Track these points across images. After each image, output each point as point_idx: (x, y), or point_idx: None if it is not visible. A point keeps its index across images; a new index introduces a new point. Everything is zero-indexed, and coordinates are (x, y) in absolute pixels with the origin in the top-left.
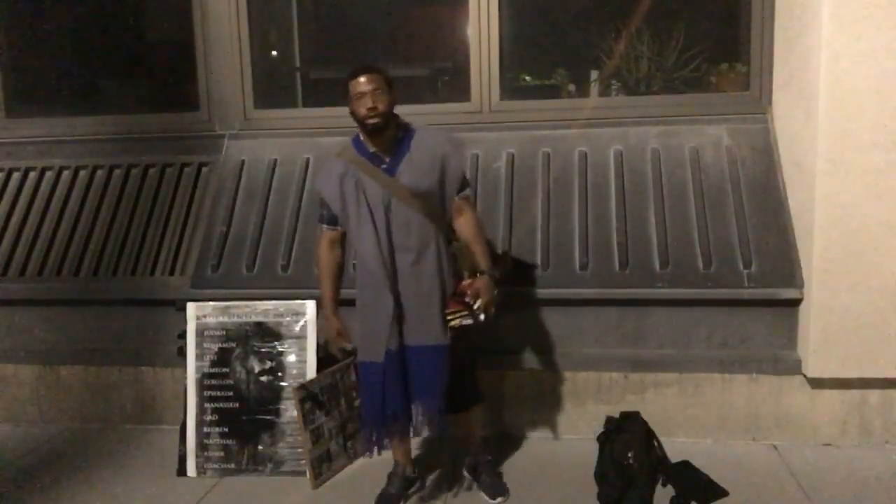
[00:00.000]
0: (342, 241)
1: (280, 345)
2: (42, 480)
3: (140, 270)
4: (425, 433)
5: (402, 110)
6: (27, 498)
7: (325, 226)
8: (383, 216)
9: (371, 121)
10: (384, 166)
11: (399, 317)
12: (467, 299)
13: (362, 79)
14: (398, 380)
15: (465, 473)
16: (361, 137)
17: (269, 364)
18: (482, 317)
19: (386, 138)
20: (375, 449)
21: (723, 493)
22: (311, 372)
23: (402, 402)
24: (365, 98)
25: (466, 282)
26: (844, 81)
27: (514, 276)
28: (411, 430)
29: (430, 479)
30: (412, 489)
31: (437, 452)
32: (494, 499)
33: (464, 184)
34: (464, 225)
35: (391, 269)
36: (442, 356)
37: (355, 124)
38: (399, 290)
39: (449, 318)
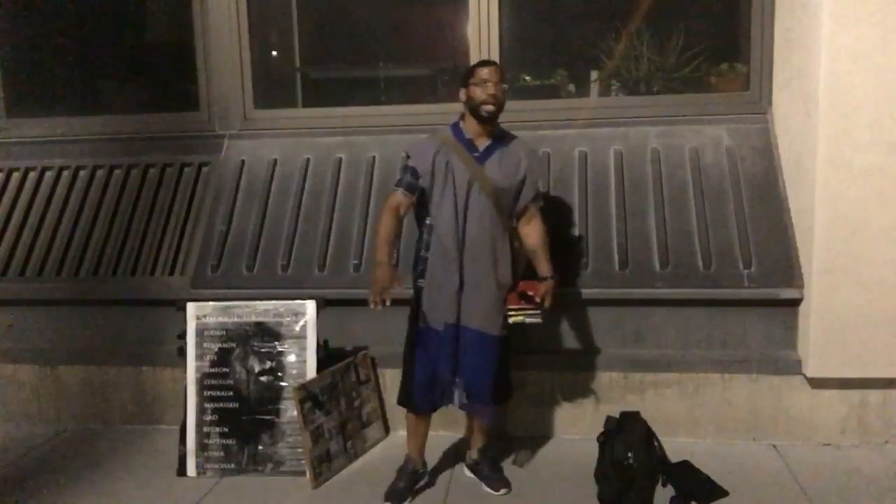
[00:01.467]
0: (403, 213)
1: (280, 345)
2: (42, 480)
3: (140, 270)
4: (466, 410)
5: (402, 110)
6: (27, 498)
7: (402, 189)
8: (464, 198)
9: (487, 106)
10: (476, 154)
11: (461, 295)
12: (537, 299)
13: (487, 69)
14: (451, 351)
15: (467, 472)
16: (461, 125)
17: (269, 364)
18: (538, 318)
19: (487, 129)
20: (432, 407)
21: (723, 493)
22: (311, 372)
23: (449, 372)
24: (488, 85)
25: (528, 283)
26: (844, 81)
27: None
28: (451, 403)
29: (437, 477)
30: (419, 484)
31: (440, 448)
32: (498, 491)
33: (537, 195)
34: (533, 231)
35: (461, 249)
36: (492, 345)
37: (360, 125)
38: (464, 272)
39: (511, 313)
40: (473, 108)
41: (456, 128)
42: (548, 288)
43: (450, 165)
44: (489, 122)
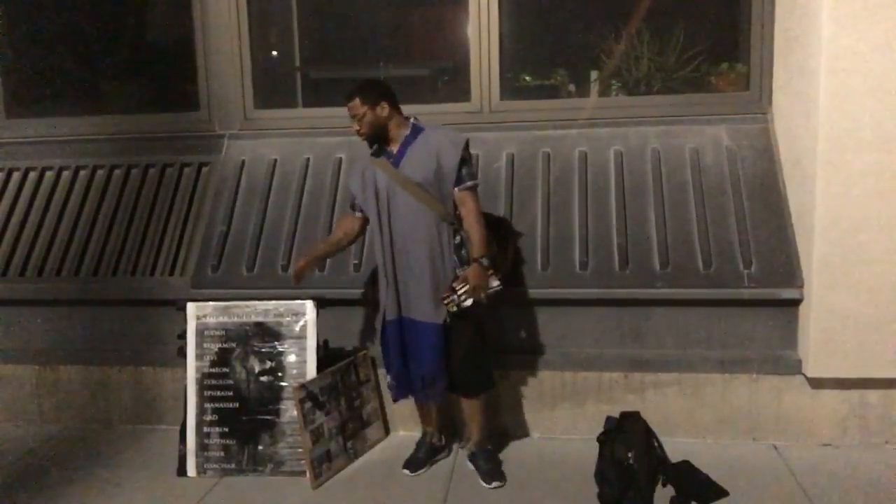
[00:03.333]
0: (357, 225)
1: (280, 345)
2: (42, 480)
3: (140, 270)
4: (430, 398)
5: (403, 110)
6: (27, 498)
7: (349, 209)
8: (386, 201)
9: (360, 138)
10: (391, 159)
11: (396, 291)
12: (455, 284)
13: (348, 104)
14: (397, 344)
15: (468, 462)
16: None
17: (269, 364)
18: (468, 302)
19: (390, 138)
20: (395, 396)
21: (723, 493)
22: (311, 372)
23: (399, 364)
24: (353, 122)
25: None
26: (844, 81)
27: (515, 275)
28: (425, 395)
29: (439, 471)
30: (439, 456)
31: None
32: (490, 483)
33: (462, 178)
34: (464, 215)
35: (389, 248)
36: (433, 333)
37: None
38: (396, 268)
39: (445, 302)
40: None
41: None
42: (469, 273)
43: (374, 176)
44: (382, 139)
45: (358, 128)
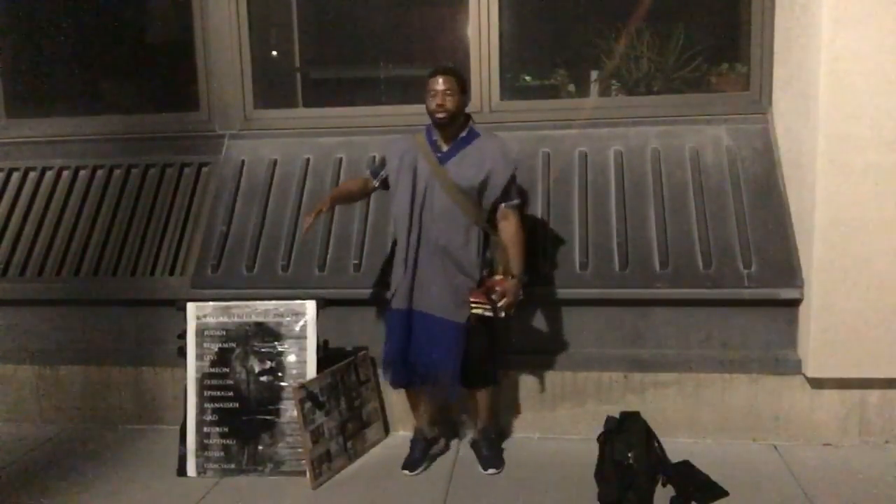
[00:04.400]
0: (370, 189)
1: (280, 345)
2: (42, 480)
3: (140, 270)
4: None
5: (402, 110)
6: (27, 498)
7: (368, 172)
8: (422, 194)
9: (438, 115)
10: (439, 154)
11: (411, 283)
12: (494, 296)
13: (438, 79)
14: (402, 336)
15: (470, 449)
16: (432, 128)
17: (269, 364)
18: (502, 314)
19: (449, 133)
20: (393, 384)
21: (723, 493)
22: (311, 372)
23: (397, 353)
24: (437, 96)
25: (498, 278)
26: (844, 81)
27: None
28: (427, 391)
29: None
30: (434, 449)
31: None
32: (486, 470)
33: (509, 195)
34: (504, 230)
35: (416, 241)
36: (452, 331)
37: (360, 125)
38: (418, 260)
39: (473, 306)
40: (430, 117)
41: (428, 130)
42: (509, 287)
43: (416, 163)
44: (446, 128)
45: (442, 102)
